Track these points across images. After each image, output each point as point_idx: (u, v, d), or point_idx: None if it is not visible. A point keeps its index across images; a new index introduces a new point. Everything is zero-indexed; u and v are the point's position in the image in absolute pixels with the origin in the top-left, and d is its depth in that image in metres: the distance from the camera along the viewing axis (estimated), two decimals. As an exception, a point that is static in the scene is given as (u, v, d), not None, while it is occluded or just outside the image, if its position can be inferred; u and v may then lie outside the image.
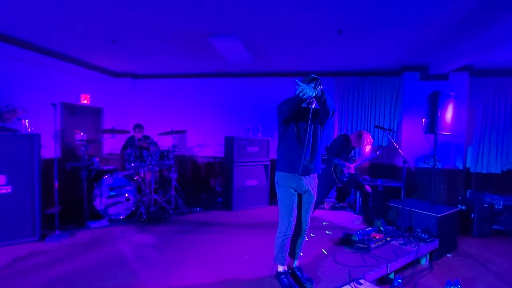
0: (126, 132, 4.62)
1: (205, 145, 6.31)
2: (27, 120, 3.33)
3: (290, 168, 2.34)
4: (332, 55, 4.64)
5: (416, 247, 3.16)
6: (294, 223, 2.38)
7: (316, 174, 2.49)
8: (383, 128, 3.58)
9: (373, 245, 3.15)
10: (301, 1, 2.89)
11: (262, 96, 5.94)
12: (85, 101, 5.59)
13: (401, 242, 3.28)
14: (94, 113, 5.99)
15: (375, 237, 3.28)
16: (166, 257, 2.98)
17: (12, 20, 3.48)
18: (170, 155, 4.64)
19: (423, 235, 3.34)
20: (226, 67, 5.54)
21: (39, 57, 4.55)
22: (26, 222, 3.23)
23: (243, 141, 4.89)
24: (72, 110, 5.42)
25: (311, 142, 2.36)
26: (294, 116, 2.32)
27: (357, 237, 3.23)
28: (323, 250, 3.17)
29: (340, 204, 5.23)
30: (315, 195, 2.49)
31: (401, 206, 3.65)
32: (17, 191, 3.16)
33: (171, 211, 4.44)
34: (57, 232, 3.40)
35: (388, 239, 3.35)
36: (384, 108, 5.44)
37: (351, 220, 4.41)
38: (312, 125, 2.37)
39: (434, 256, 3.37)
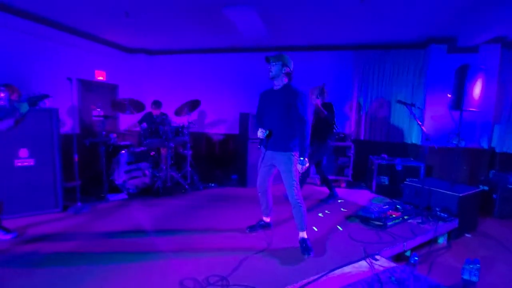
0: (141, 104, 4.61)
1: (220, 122, 6.29)
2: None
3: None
4: (352, 27, 4.39)
5: (435, 226, 3.09)
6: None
7: (280, 152, 2.63)
8: (405, 103, 3.40)
9: (389, 223, 3.10)
10: (322, -35, 2.70)
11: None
12: (101, 78, 5.62)
13: (419, 220, 3.22)
14: (110, 89, 6.03)
15: (392, 215, 3.23)
16: (182, 226, 3.07)
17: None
18: (185, 131, 4.64)
19: (442, 214, 3.26)
20: (241, 42, 5.38)
21: (53, 32, 4.54)
22: (49, 194, 3.36)
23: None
24: (88, 87, 5.47)
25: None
26: None
27: (373, 215, 3.19)
28: (338, 226, 3.16)
29: (356, 182, 5.16)
30: (286, 172, 2.61)
31: (420, 185, 3.55)
32: (39, 164, 3.27)
33: (187, 186, 4.52)
34: (78, 204, 3.54)
35: (405, 217, 3.29)
36: (406, 83, 5.18)
37: (367, 198, 4.35)
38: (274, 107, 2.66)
39: (453, 235, 3.29)
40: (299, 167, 2.57)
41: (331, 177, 5.01)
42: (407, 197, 3.81)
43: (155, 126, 4.44)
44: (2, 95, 3.02)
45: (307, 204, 3.96)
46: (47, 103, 3.33)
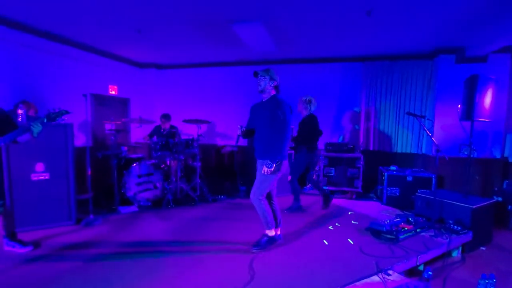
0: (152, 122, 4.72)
1: (228, 134, 6.35)
2: (61, 110, 3.49)
3: None
4: (360, 39, 4.43)
5: (448, 239, 3.03)
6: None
7: (261, 160, 2.84)
8: (415, 115, 3.40)
9: (401, 236, 3.06)
10: (328, -18, 2.76)
11: (286, 84, 5.83)
12: (113, 92, 5.78)
13: (432, 233, 3.16)
14: (121, 103, 6.18)
15: (404, 228, 3.18)
16: (193, 237, 3.08)
17: (42, 14, 3.61)
18: (194, 144, 4.71)
19: (455, 226, 3.19)
20: (249, 55, 5.48)
21: (68, 49, 4.72)
22: (63, 207, 3.43)
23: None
24: (100, 101, 5.62)
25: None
26: None
27: (384, 228, 3.15)
28: (349, 240, 3.12)
29: (366, 194, 5.11)
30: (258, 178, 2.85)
31: (431, 197, 3.50)
32: (54, 177, 3.35)
33: (196, 198, 4.55)
34: (91, 216, 3.60)
35: (417, 230, 3.24)
36: (415, 94, 5.17)
37: (377, 210, 4.30)
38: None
39: (467, 248, 3.22)
40: (264, 169, 2.69)
41: (341, 189, 4.99)
42: (419, 209, 3.76)
43: (165, 139, 4.52)
44: (21, 111, 3.14)
45: (318, 215, 3.96)
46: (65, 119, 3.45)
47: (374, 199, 4.93)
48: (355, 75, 5.54)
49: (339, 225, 3.59)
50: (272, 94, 2.86)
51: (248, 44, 4.45)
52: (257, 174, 2.88)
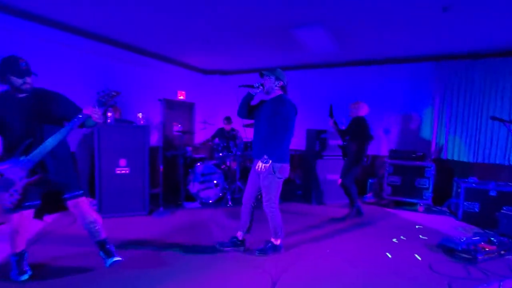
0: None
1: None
2: (140, 113, 3.98)
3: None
4: (432, 37, 4.06)
5: (543, 266, 2.57)
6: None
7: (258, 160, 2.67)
8: (502, 120, 2.98)
9: (481, 257, 2.69)
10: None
11: (346, 87, 5.65)
12: (181, 97, 6.30)
13: (521, 258, 2.72)
14: (187, 107, 6.71)
15: (484, 248, 2.79)
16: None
17: (125, 29, 4.13)
18: (253, 146, 4.86)
19: (554, 253, 2.69)
20: (308, 58, 5.46)
21: (145, 59, 5.32)
22: (139, 199, 3.88)
23: (325, 134, 4.77)
24: (170, 105, 6.18)
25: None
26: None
27: (460, 246, 2.81)
28: (416, 255, 2.87)
29: (437, 207, 4.62)
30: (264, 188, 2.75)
31: (522, 215, 3.01)
32: (133, 172, 3.82)
33: (253, 199, 4.68)
34: (161, 209, 3.99)
35: (502, 252, 2.82)
36: (502, 96, 4.49)
37: (451, 226, 3.85)
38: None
39: None
40: (259, 164, 2.60)
41: (407, 200, 4.61)
42: (504, 228, 3.26)
43: (226, 141, 4.78)
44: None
45: (378, 226, 3.73)
46: (142, 121, 3.91)
47: (447, 213, 4.43)
48: (426, 77, 5.07)
49: (404, 238, 3.32)
50: (278, 94, 2.75)
51: (308, 47, 4.44)
52: (250, 176, 2.84)
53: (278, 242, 2.82)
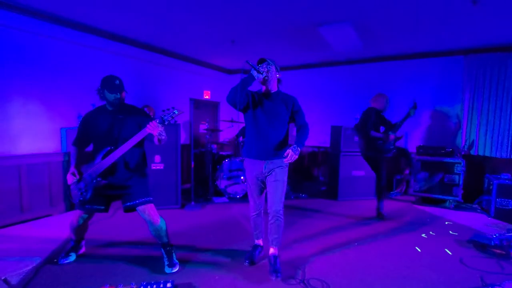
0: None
1: (310, 135, 6.43)
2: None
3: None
4: (461, 30, 3.98)
5: None
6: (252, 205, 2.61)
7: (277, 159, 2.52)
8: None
9: (515, 253, 2.67)
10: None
11: (371, 83, 5.62)
12: (207, 97, 6.52)
13: (559, 255, 2.66)
14: (212, 106, 6.92)
15: (518, 244, 2.76)
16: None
17: (157, 34, 4.37)
18: (278, 143, 4.96)
19: None
20: (333, 56, 5.48)
21: (175, 61, 5.57)
22: (172, 193, 4.11)
23: (350, 130, 4.79)
24: (197, 104, 6.42)
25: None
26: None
27: (492, 242, 2.80)
28: (446, 249, 2.88)
29: (468, 204, 4.53)
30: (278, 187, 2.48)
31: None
32: (167, 168, 4.05)
33: (279, 195, 4.80)
34: (192, 203, 4.20)
35: (538, 249, 2.76)
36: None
37: (482, 223, 3.79)
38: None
39: None
40: (292, 156, 2.42)
41: (436, 196, 4.55)
42: (541, 225, 3.18)
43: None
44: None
45: (406, 222, 3.74)
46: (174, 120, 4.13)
47: (478, 210, 4.33)
48: (455, 71, 4.96)
49: (433, 234, 3.32)
50: (278, 88, 2.62)
51: (334, 45, 4.47)
52: (250, 180, 2.56)
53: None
